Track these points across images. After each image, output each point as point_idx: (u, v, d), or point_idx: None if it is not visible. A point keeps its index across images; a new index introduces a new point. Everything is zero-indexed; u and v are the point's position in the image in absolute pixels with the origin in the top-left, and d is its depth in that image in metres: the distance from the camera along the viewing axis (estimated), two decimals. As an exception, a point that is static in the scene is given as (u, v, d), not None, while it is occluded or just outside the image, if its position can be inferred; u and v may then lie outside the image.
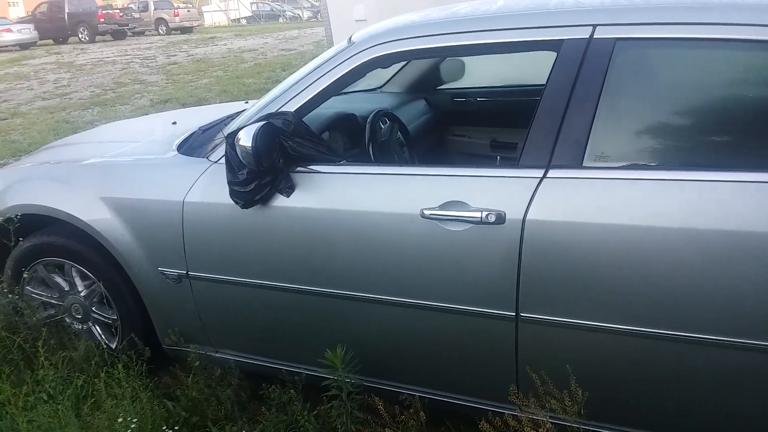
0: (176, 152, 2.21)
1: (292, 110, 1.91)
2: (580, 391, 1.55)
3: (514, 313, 1.66)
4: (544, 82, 1.68)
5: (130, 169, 2.21)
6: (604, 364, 1.62)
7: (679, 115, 1.63)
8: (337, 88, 1.93)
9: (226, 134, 1.90)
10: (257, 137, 1.74)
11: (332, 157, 1.90)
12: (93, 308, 2.39)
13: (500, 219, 1.61)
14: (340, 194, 1.83)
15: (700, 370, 1.52)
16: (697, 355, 1.50)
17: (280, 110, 1.92)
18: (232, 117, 2.52)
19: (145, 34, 25.80)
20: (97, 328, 2.43)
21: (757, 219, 1.40)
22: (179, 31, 25.67)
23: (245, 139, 1.75)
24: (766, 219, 1.40)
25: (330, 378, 1.84)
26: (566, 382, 1.57)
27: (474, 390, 1.85)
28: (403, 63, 3.16)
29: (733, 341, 1.45)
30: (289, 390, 1.99)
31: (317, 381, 1.95)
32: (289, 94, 1.95)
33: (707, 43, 1.53)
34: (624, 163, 1.59)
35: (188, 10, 27.55)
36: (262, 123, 1.78)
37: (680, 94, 1.64)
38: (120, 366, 2.03)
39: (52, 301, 2.45)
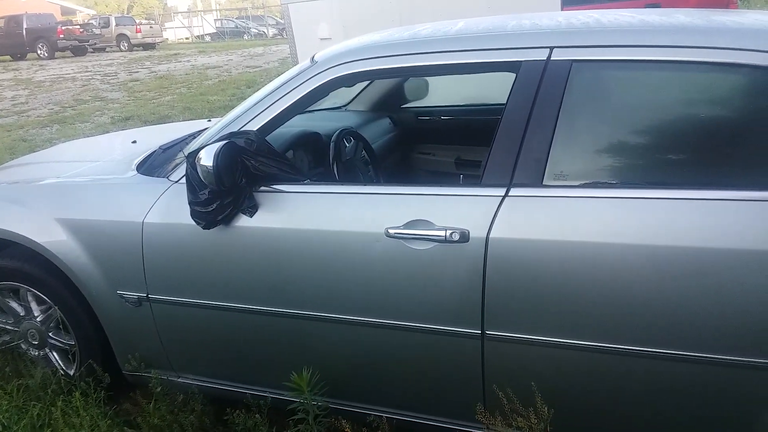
0: (135, 172, 2.16)
1: (255, 129, 1.89)
2: (546, 408, 1.56)
3: (479, 331, 1.66)
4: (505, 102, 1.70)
5: (88, 189, 2.15)
6: (569, 379, 1.63)
7: (635, 134, 1.67)
8: (300, 107, 1.93)
9: (186, 153, 1.88)
10: (218, 156, 1.72)
11: (296, 176, 1.88)
12: (50, 334, 2.31)
13: (464, 237, 1.62)
14: (304, 214, 1.82)
15: (664, 384, 1.54)
16: (661, 369, 1.53)
17: (242, 129, 1.91)
18: (193, 135, 2.49)
19: (107, 50, 25.42)
20: (54, 354, 2.35)
21: (714, 235, 1.44)
22: (141, 48, 25.38)
23: (206, 158, 1.73)
24: (723, 235, 1.44)
25: (296, 401, 1.81)
26: (533, 399, 1.57)
27: (442, 409, 1.84)
28: (368, 82, 3.18)
29: (695, 356, 1.48)
30: (254, 415, 1.95)
31: (283, 404, 1.91)
32: (251, 113, 1.94)
33: (659, 64, 1.58)
34: (583, 182, 1.62)
35: (150, 27, 27.28)
36: (223, 142, 1.77)
37: (635, 114, 1.68)
38: (77, 394, 1.96)
39: (7, 327, 2.36)
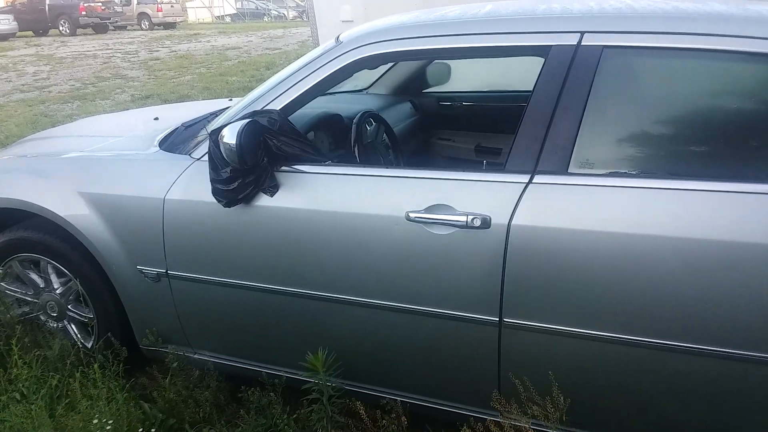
0: (158, 148, 2.17)
1: (278, 108, 1.88)
2: (562, 398, 1.55)
3: (497, 319, 1.65)
4: (530, 88, 1.68)
5: (110, 164, 2.16)
6: (587, 370, 1.62)
7: (664, 123, 1.64)
8: (323, 87, 1.91)
9: (209, 131, 1.87)
10: (241, 135, 1.71)
11: (318, 157, 1.88)
12: (69, 306, 2.34)
13: (485, 223, 1.61)
14: (324, 195, 1.81)
15: (684, 378, 1.52)
16: (680, 363, 1.51)
17: (265, 108, 1.90)
18: (215, 114, 2.49)
19: (128, 28, 25.47)
20: (73, 326, 2.38)
21: (743, 229, 1.41)
22: (162, 27, 25.39)
23: (229, 136, 1.72)
24: (752, 229, 1.41)
25: (311, 381, 1.81)
26: (549, 389, 1.57)
27: (456, 395, 1.84)
28: (390, 65, 3.15)
29: (718, 350, 1.46)
30: (268, 393, 1.96)
31: (298, 384, 1.92)
32: (274, 92, 1.92)
33: (693, 53, 1.54)
34: (609, 170, 1.59)
35: (172, 6, 27.22)
36: (246, 121, 1.76)
37: (666, 103, 1.65)
38: (96, 366, 1.98)
39: (27, 298, 2.39)
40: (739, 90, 1.63)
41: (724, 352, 1.45)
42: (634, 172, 1.59)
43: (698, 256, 1.45)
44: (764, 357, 1.42)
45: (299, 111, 1.98)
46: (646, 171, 1.60)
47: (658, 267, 1.48)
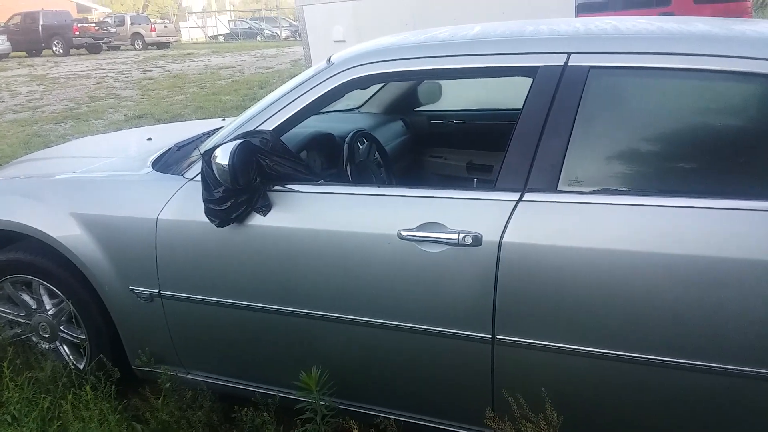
0: (151, 169, 2.18)
1: (271, 129, 1.90)
2: (556, 415, 1.55)
3: (490, 335, 1.66)
4: (520, 107, 1.70)
5: (103, 185, 2.17)
6: (580, 386, 1.63)
7: (651, 141, 1.67)
8: (315, 107, 1.94)
9: (202, 151, 1.89)
10: (234, 155, 1.73)
11: (310, 176, 1.89)
12: (61, 327, 2.33)
13: (477, 241, 1.62)
14: (317, 214, 1.83)
15: (677, 393, 1.53)
16: (673, 378, 1.52)
17: (258, 128, 1.92)
18: (208, 134, 2.51)
19: (121, 48, 25.59)
20: (65, 347, 2.37)
21: (732, 245, 1.43)
22: (156, 47, 25.51)
23: (222, 156, 1.74)
24: (740, 245, 1.43)
25: (304, 401, 1.81)
26: (543, 405, 1.57)
27: (450, 413, 1.84)
28: (381, 84, 3.19)
29: (710, 365, 1.47)
30: (262, 413, 1.95)
31: (291, 404, 1.92)
32: (267, 113, 1.95)
33: (678, 72, 1.58)
34: (598, 188, 1.61)
35: (165, 26, 27.41)
36: (239, 141, 1.78)
37: (653, 122, 1.67)
38: (88, 388, 1.97)
39: (19, 319, 2.38)
40: (723, 108, 1.67)
41: (717, 367, 1.47)
42: (623, 189, 1.61)
43: (688, 272, 1.46)
44: (758, 372, 1.43)
45: (291, 130, 2.00)
46: (635, 188, 1.62)
47: (649, 283, 1.50)
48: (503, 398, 1.64)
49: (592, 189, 1.61)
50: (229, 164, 1.72)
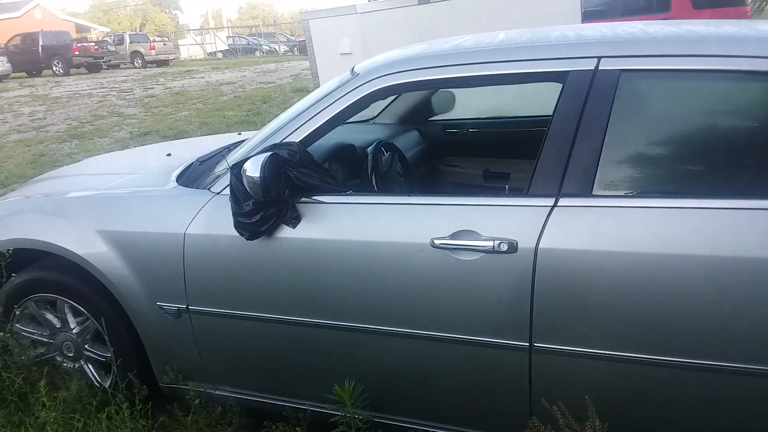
0: (176, 184, 2.17)
1: (297, 140, 1.90)
2: (598, 422, 1.53)
3: (527, 344, 1.64)
4: (534, 114, 1.70)
5: (128, 201, 2.16)
6: (620, 394, 1.61)
7: (685, 143, 1.66)
8: (341, 118, 1.93)
9: (231, 165, 1.88)
10: (265, 168, 1.72)
11: (338, 187, 1.88)
12: (86, 346, 2.31)
13: (512, 248, 1.61)
14: (347, 225, 1.82)
15: (720, 397, 1.51)
16: (715, 382, 1.50)
17: (284, 140, 1.91)
18: (228, 148, 2.50)
19: (121, 67, 25.71)
20: (90, 366, 2.34)
21: (770, 246, 1.42)
22: (155, 65, 25.66)
23: (252, 169, 1.73)
24: None
25: (338, 414, 1.79)
26: (582, 414, 1.55)
27: (487, 423, 1.81)
28: (395, 95, 3.19)
29: (754, 368, 1.45)
30: (293, 428, 1.93)
31: (324, 417, 1.90)
32: (293, 125, 1.94)
33: (709, 74, 1.57)
34: (633, 191, 1.61)
35: (164, 44, 27.58)
36: (268, 153, 1.77)
37: (685, 123, 1.67)
38: (125, 406, 1.95)
39: (43, 339, 2.36)
40: (757, 108, 1.66)
41: (763, 370, 1.45)
42: (659, 192, 1.60)
43: (728, 275, 1.45)
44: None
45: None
46: (671, 190, 1.62)
47: (688, 286, 1.48)
48: (542, 407, 1.62)
49: (627, 192, 1.61)
50: (260, 177, 1.71)
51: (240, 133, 3.12)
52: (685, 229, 1.50)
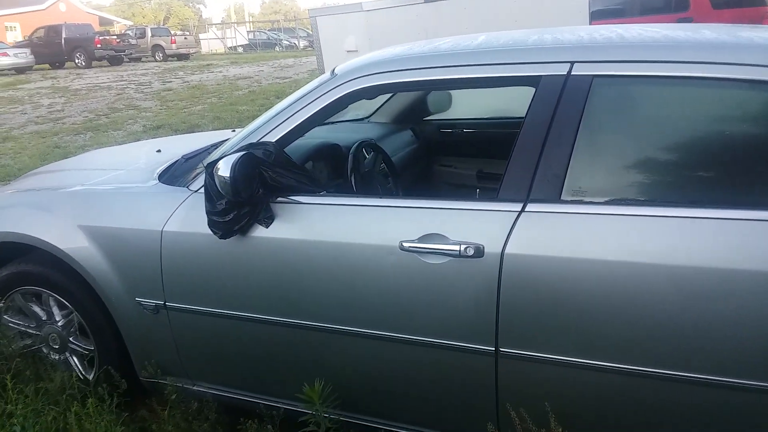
0: (157, 181, 2.19)
1: (274, 140, 1.90)
2: (560, 429, 1.52)
3: (493, 348, 1.64)
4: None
5: (110, 197, 2.19)
6: (584, 401, 1.59)
7: (656, 151, 1.64)
8: (318, 119, 1.94)
9: (205, 164, 1.89)
10: (236, 167, 1.73)
11: (313, 187, 1.89)
12: (70, 339, 2.34)
13: (479, 252, 1.60)
14: (319, 225, 1.82)
15: (682, 408, 1.50)
16: (678, 393, 1.48)
17: (261, 140, 1.92)
18: (215, 146, 2.52)
19: (142, 60, 26.02)
20: (75, 358, 2.38)
21: (738, 256, 1.40)
22: (176, 58, 25.90)
23: (224, 169, 1.74)
24: (748, 256, 1.39)
25: (308, 413, 1.80)
26: (547, 420, 1.54)
27: (454, 426, 1.81)
28: (390, 94, 3.18)
29: (714, 379, 1.43)
30: (266, 425, 1.94)
31: (296, 416, 1.90)
32: (270, 125, 1.95)
33: (682, 81, 1.55)
34: (602, 198, 1.59)
35: (185, 38, 27.85)
36: (241, 153, 1.78)
37: (657, 131, 1.65)
38: (91, 400, 1.98)
39: (30, 330, 2.41)
40: (731, 117, 1.63)
41: (724, 381, 1.43)
42: (628, 200, 1.58)
43: (694, 284, 1.43)
44: (762, 385, 1.39)
45: (297, 141, 2.00)
46: (640, 198, 1.59)
47: (654, 295, 1.47)
48: (508, 412, 1.62)
49: (596, 199, 1.59)
50: (230, 176, 1.72)
51: (234, 130, 3.14)
52: (654, 237, 1.48)
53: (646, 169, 1.64)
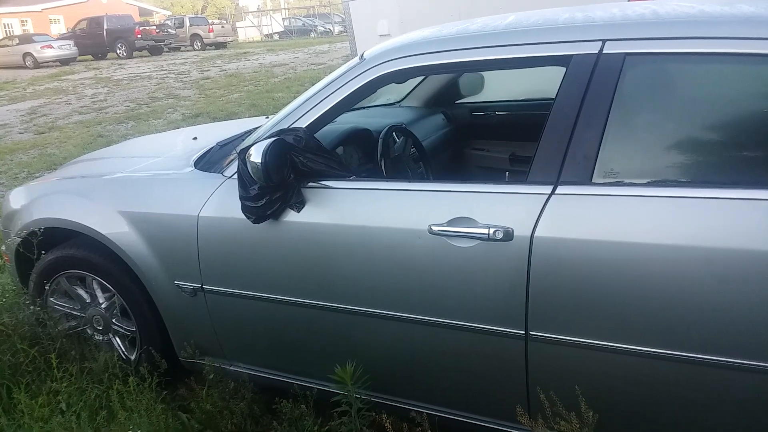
0: (193, 167, 2.25)
1: (304, 126, 1.93)
2: (591, 413, 1.51)
3: (523, 332, 1.64)
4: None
5: (148, 183, 2.26)
6: (615, 384, 1.58)
7: (690, 131, 1.60)
8: (348, 104, 1.95)
9: (238, 150, 1.93)
10: (267, 153, 1.76)
11: (342, 172, 1.91)
12: (113, 320, 2.44)
13: (508, 236, 1.60)
14: (349, 209, 1.84)
15: (713, 392, 1.47)
16: (710, 376, 1.46)
17: (292, 126, 1.95)
18: (249, 132, 2.56)
19: (181, 49, 26.43)
20: (117, 339, 2.48)
21: (773, 238, 1.36)
22: (213, 47, 26.23)
23: (255, 155, 1.77)
24: None
25: (340, 393, 1.84)
26: (577, 403, 1.53)
27: (484, 408, 1.82)
28: (422, 77, 3.17)
29: (748, 364, 1.40)
30: (300, 405, 1.99)
31: (329, 396, 1.94)
32: (301, 111, 1.97)
33: (717, 57, 1.50)
34: (634, 180, 1.56)
35: (222, 26, 28.14)
36: (273, 139, 1.81)
37: (691, 110, 1.60)
38: (131, 379, 2.06)
39: (75, 312, 2.51)
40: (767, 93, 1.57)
41: (760, 366, 1.39)
42: (660, 181, 1.55)
43: (729, 267, 1.40)
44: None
45: (328, 126, 2.02)
46: (672, 180, 1.56)
47: (687, 278, 1.44)
48: (538, 395, 1.62)
49: (628, 181, 1.56)
50: (262, 162, 1.75)
51: (268, 117, 3.17)
52: (687, 219, 1.45)
53: (679, 150, 1.60)
